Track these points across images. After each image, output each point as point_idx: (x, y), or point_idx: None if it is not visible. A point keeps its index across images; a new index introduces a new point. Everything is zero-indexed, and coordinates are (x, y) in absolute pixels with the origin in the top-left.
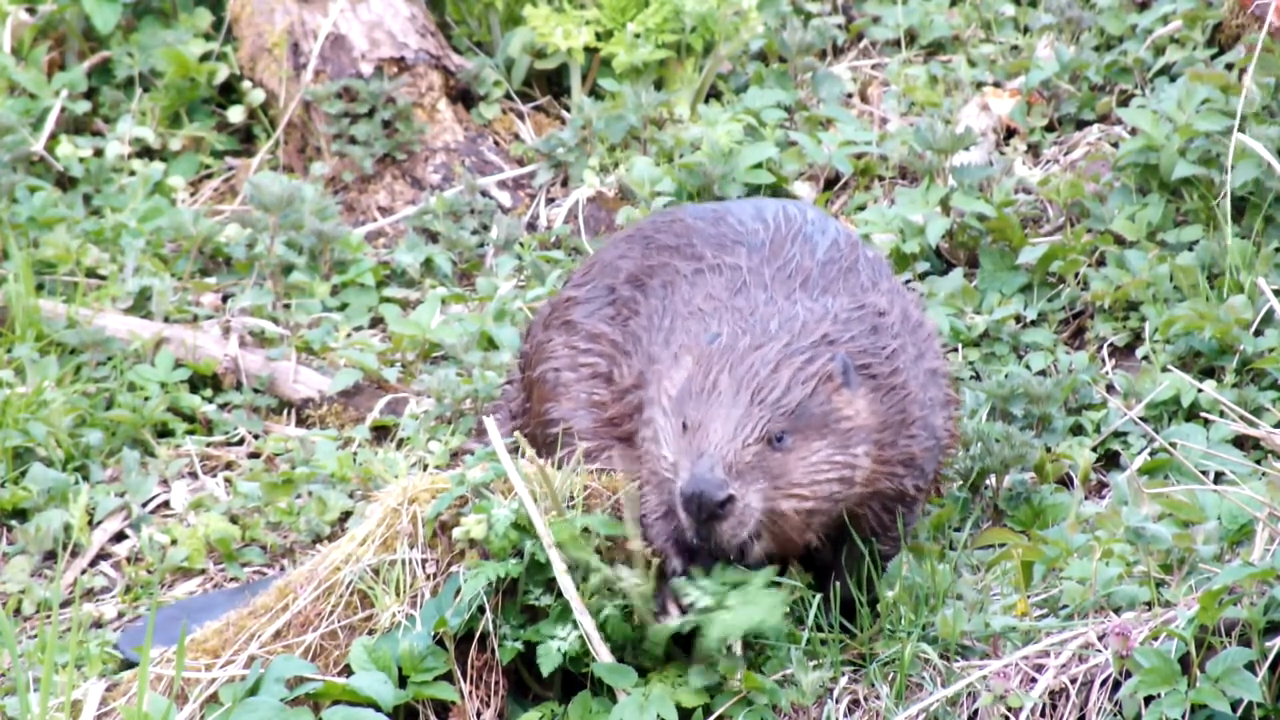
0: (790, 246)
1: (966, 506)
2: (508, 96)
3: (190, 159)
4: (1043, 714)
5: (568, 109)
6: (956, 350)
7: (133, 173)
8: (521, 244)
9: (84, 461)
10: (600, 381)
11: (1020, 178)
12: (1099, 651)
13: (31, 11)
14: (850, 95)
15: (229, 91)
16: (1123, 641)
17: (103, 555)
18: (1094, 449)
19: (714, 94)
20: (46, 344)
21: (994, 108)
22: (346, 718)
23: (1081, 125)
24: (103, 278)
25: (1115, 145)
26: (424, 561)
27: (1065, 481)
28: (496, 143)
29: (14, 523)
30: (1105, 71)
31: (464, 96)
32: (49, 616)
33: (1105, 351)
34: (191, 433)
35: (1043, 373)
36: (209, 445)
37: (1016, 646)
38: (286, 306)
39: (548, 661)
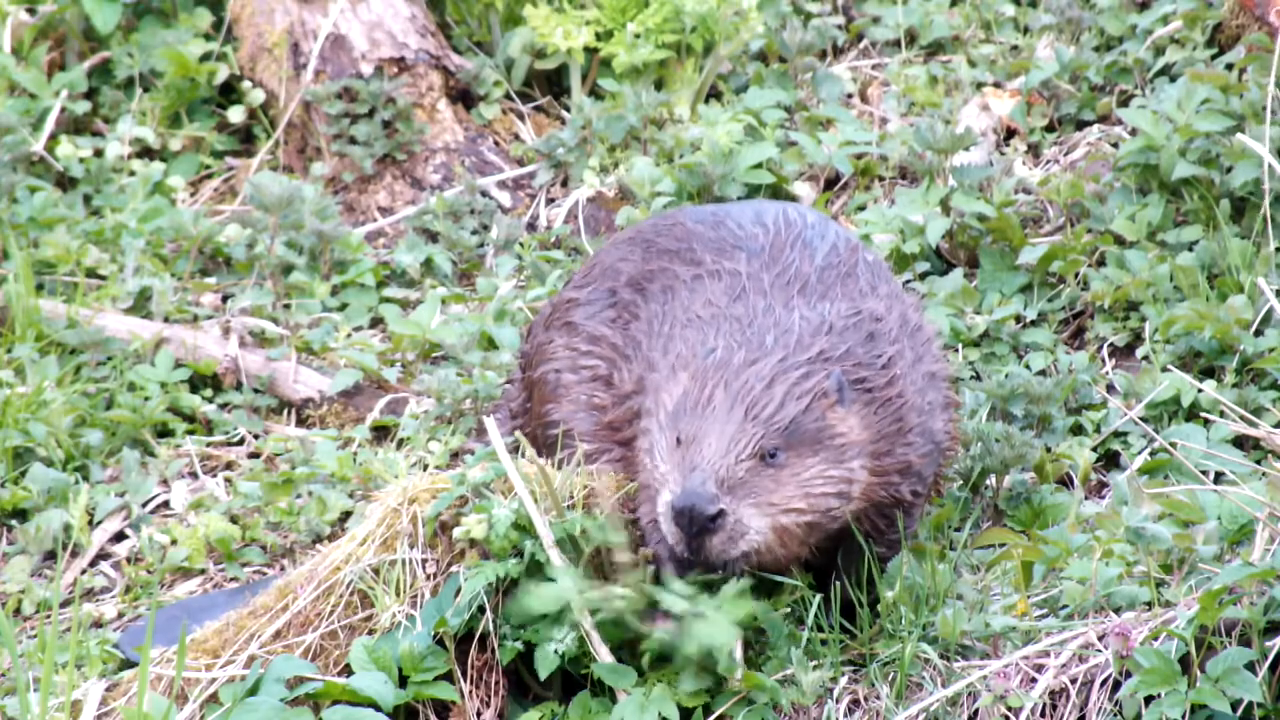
0: (789, 252)
1: (966, 506)
2: (508, 96)
3: (190, 159)
4: (1043, 714)
5: (568, 109)
6: (956, 350)
7: (133, 173)
8: (521, 244)
9: (84, 461)
10: (600, 384)
11: (1020, 178)
12: (1099, 651)
13: (31, 11)
14: (850, 95)
15: (229, 91)
16: (1123, 641)
17: (103, 555)
18: (1094, 449)
19: (714, 94)
20: (46, 344)
21: (994, 108)
22: (346, 718)
23: (1081, 125)
24: (103, 278)
25: (1115, 145)
26: (424, 561)
27: (1065, 481)
28: (496, 143)
29: (14, 523)
30: (1105, 72)
31: (464, 96)
32: (49, 616)
33: (1105, 351)
34: (191, 433)
35: (1043, 373)
36: (209, 445)
37: (1016, 646)
38: (286, 306)
39: (545, 664)
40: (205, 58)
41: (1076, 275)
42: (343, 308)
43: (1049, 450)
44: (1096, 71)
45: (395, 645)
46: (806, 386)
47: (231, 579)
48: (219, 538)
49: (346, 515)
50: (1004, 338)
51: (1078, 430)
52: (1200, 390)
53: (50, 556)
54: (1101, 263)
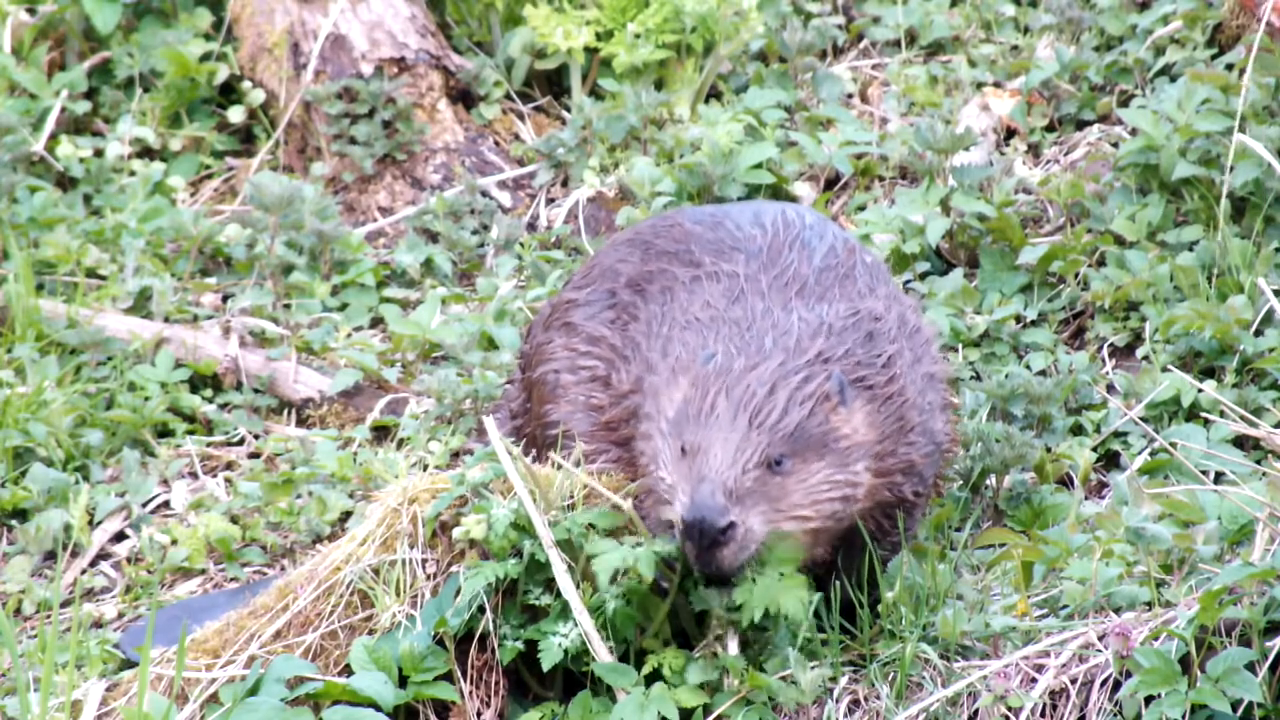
0: (788, 253)
1: (967, 506)
2: (508, 96)
3: (190, 159)
4: (1043, 714)
5: (568, 109)
6: (956, 350)
7: (133, 173)
8: (521, 244)
9: (84, 461)
10: (599, 385)
11: (1020, 178)
12: (1099, 651)
13: (31, 11)
14: (850, 95)
15: (229, 91)
16: (1123, 641)
17: (103, 555)
18: (1094, 449)
19: (714, 94)
20: (46, 344)
21: (994, 108)
22: (347, 718)
23: (1081, 125)
24: (103, 278)
25: (1115, 145)
26: (424, 561)
27: (1065, 481)
28: (496, 143)
29: (14, 523)
30: (1105, 72)
31: (464, 96)
32: (49, 616)
33: (1105, 351)
34: (191, 433)
35: (1043, 373)
36: (209, 445)
37: (1016, 646)
38: (286, 306)
39: (549, 657)
40: (205, 58)
41: (1076, 275)
42: (343, 308)
43: (1049, 450)
44: (1096, 71)
45: (395, 645)
46: (808, 391)
47: (232, 579)
48: (219, 538)
49: (346, 515)
50: (1004, 338)
51: (1078, 430)
52: (1200, 390)
53: (50, 556)
54: (1101, 263)
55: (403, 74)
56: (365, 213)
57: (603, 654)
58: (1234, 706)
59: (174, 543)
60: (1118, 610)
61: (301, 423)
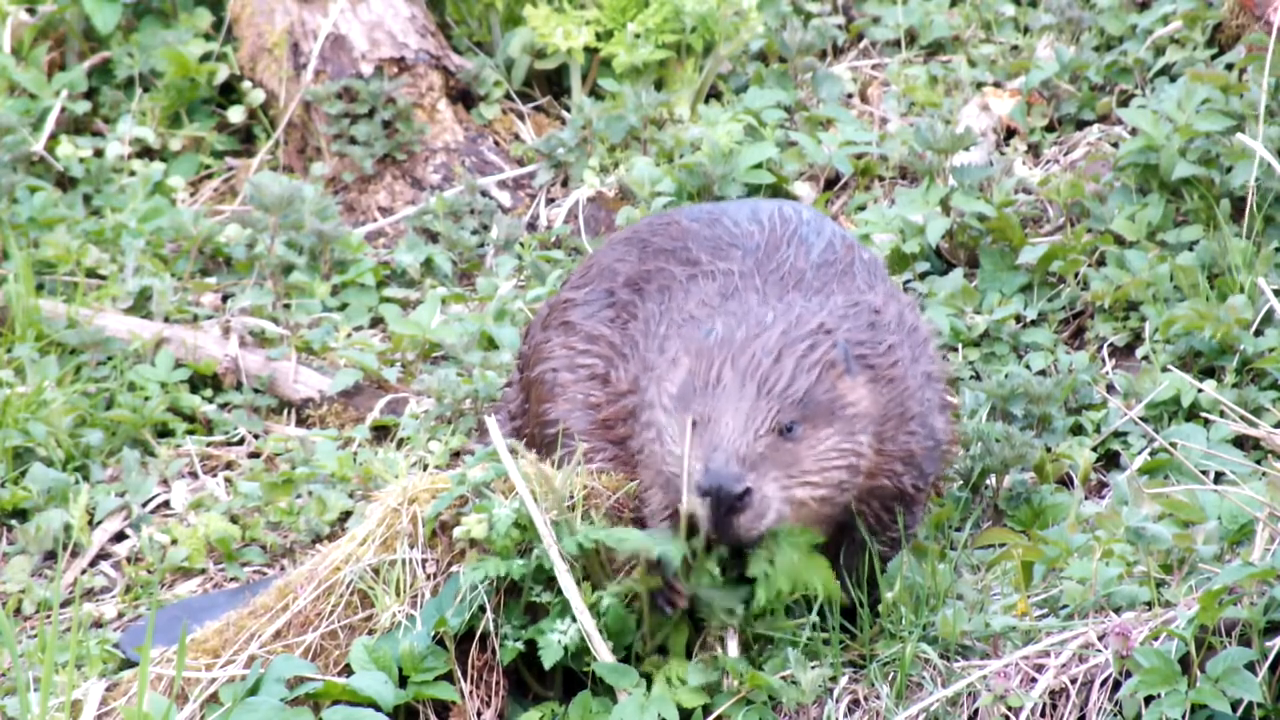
0: (785, 249)
1: (966, 506)
2: (508, 96)
3: (190, 159)
4: (1043, 714)
5: (568, 109)
6: (956, 350)
7: (133, 173)
8: (521, 244)
9: (84, 461)
10: (597, 383)
11: (1020, 178)
12: (1099, 651)
13: (31, 11)
14: (850, 95)
15: (229, 91)
16: (1123, 641)
17: (103, 555)
18: (1094, 449)
19: (714, 94)
20: (46, 344)
21: (994, 108)
22: (347, 718)
23: (1081, 125)
24: (103, 278)
25: (1115, 145)
26: (424, 561)
27: (1065, 481)
28: (496, 143)
29: (14, 523)
30: (1105, 71)
31: (464, 96)
32: (49, 616)
33: (1105, 351)
34: (191, 433)
35: (1043, 373)
36: (209, 445)
37: (1016, 646)
38: (286, 306)
39: (549, 654)
40: (205, 58)
41: (1076, 275)
42: (343, 308)
43: (1049, 450)
44: (1096, 71)
45: (395, 645)
46: (814, 358)
47: (231, 579)
48: (219, 538)
49: (346, 515)
50: (1004, 338)
51: (1078, 430)
52: (1200, 390)
53: (50, 556)
54: (1101, 263)
55: (403, 74)
56: (365, 213)
57: (603, 654)
58: (1234, 706)
59: (174, 543)
60: (1118, 610)
61: (301, 423)
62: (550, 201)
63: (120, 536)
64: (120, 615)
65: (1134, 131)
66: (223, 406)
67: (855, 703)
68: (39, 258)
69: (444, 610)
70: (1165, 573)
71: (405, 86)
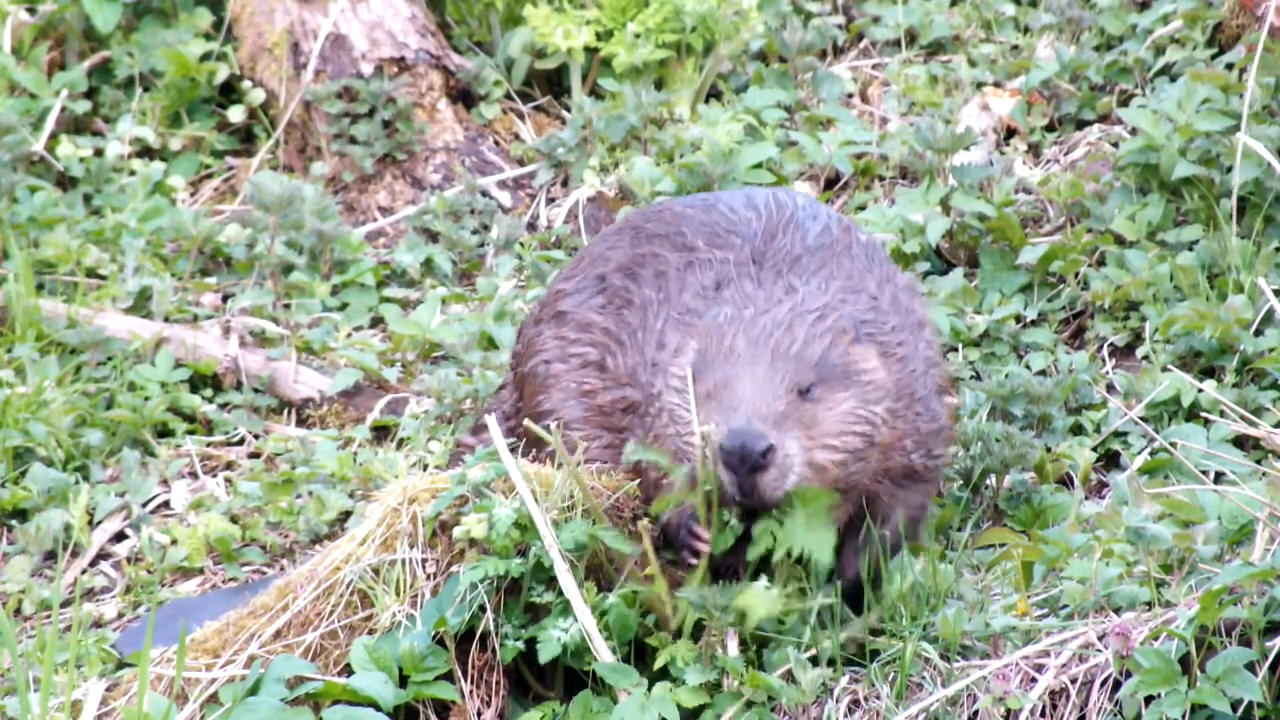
0: (782, 236)
1: (967, 506)
2: (508, 96)
3: (190, 159)
4: (1043, 714)
5: (568, 109)
6: (956, 350)
7: (133, 173)
8: (522, 244)
9: (84, 461)
10: (592, 370)
11: (1020, 178)
12: (1099, 651)
13: (31, 11)
14: (850, 95)
15: (229, 91)
16: (1123, 641)
17: (103, 555)
18: (1094, 449)
19: (714, 94)
20: (46, 344)
21: (994, 108)
22: (347, 718)
23: (1081, 125)
24: (103, 278)
25: (1115, 145)
26: (424, 561)
27: (1065, 481)
28: (496, 143)
29: (14, 523)
30: (1105, 71)
31: (464, 96)
32: (49, 616)
33: (1105, 351)
34: (191, 433)
35: (1043, 373)
36: (209, 445)
37: (1016, 646)
38: (286, 306)
39: (548, 649)
40: (205, 58)
41: (1076, 275)
42: (343, 308)
43: (1049, 450)
44: (1096, 71)
45: (395, 645)
46: (826, 325)
47: (229, 579)
48: (219, 538)
49: (346, 515)
50: (1004, 338)
51: (1078, 430)
52: (1200, 390)
53: (50, 556)
54: (1101, 262)
55: (403, 74)
56: (365, 212)
57: (604, 653)
58: (1234, 706)
59: (174, 543)
60: (1118, 610)
61: (301, 423)
62: (550, 201)
63: (120, 536)
64: (120, 615)
65: (1134, 131)
66: (223, 406)
67: (855, 703)
68: (39, 258)
69: (444, 610)
70: (1165, 573)
71: (405, 86)
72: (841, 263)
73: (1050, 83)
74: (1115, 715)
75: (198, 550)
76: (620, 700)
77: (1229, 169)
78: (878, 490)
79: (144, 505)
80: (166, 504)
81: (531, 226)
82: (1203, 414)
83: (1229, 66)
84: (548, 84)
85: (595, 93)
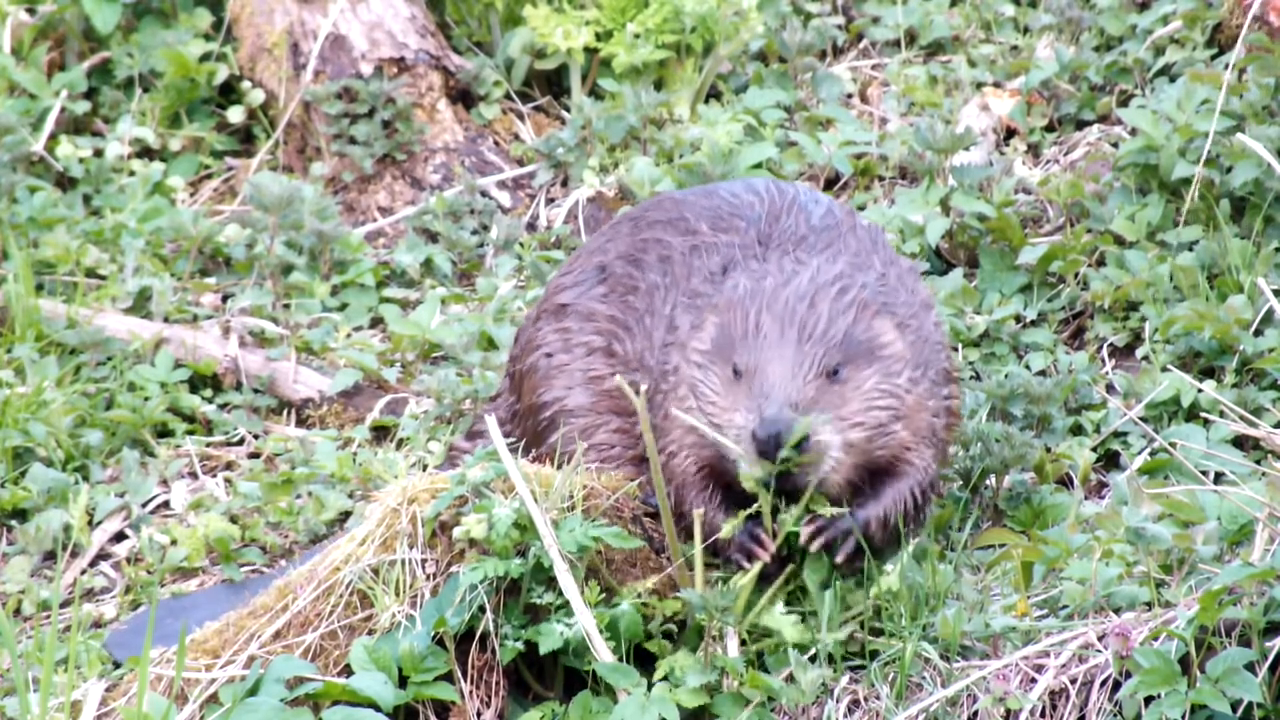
0: (786, 218)
1: (966, 507)
2: (508, 97)
3: (190, 159)
4: (1042, 714)
5: (568, 109)
6: (957, 350)
7: (133, 173)
8: (521, 244)
9: (84, 461)
10: (599, 356)
11: (1020, 178)
12: (1099, 652)
13: (31, 11)
14: (850, 95)
15: (229, 92)
16: (1123, 642)
17: (103, 555)
18: (1094, 449)
19: (714, 94)
20: (46, 344)
21: (994, 108)
22: (346, 718)
23: (1081, 125)
24: (103, 278)
25: (1115, 145)
26: (424, 561)
27: (1065, 482)
28: (496, 143)
29: (14, 523)
30: (1105, 72)
31: (464, 96)
32: (48, 617)
33: (1105, 351)
34: (191, 433)
35: (1043, 373)
36: (209, 445)
37: (1016, 647)
38: (286, 306)
39: (549, 641)
40: (205, 58)
41: (1076, 275)
42: (343, 308)
43: (1049, 450)
44: (1096, 71)
45: (395, 645)
46: (848, 299)
47: (226, 580)
48: (218, 538)
49: (346, 515)
50: (1004, 338)
51: (1078, 430)
52: (1200, 390)
53: (50, 556)
54: (1101, 263)
55: (402, 74)
56: (365, 213)
57: (604, 654)
58: (1234, 707)
59: (174, 543)
60: (1118, 610)
61: (301, 423)
62: (550, 201)
63: (120, 537)
64: (120, 616)
65: (1134, 131)
66: (222, 407)
67: (855, 703)
68: (39, 258)
69: (444, 610)
70: (1165, 573)
71: (405, 86)
72: (847, 241)
73: (1050, 83)
74: (1115, 716)
75: (197, 550)
76: (620, 700)
77: (1229, 169)
78: (893, 461)
79: (144, 505)
80: (166, 504)
81: (531, 227)
82: (1202, 414)
83: (1228, 67)
84: (547, 84)
85: (595, 93)
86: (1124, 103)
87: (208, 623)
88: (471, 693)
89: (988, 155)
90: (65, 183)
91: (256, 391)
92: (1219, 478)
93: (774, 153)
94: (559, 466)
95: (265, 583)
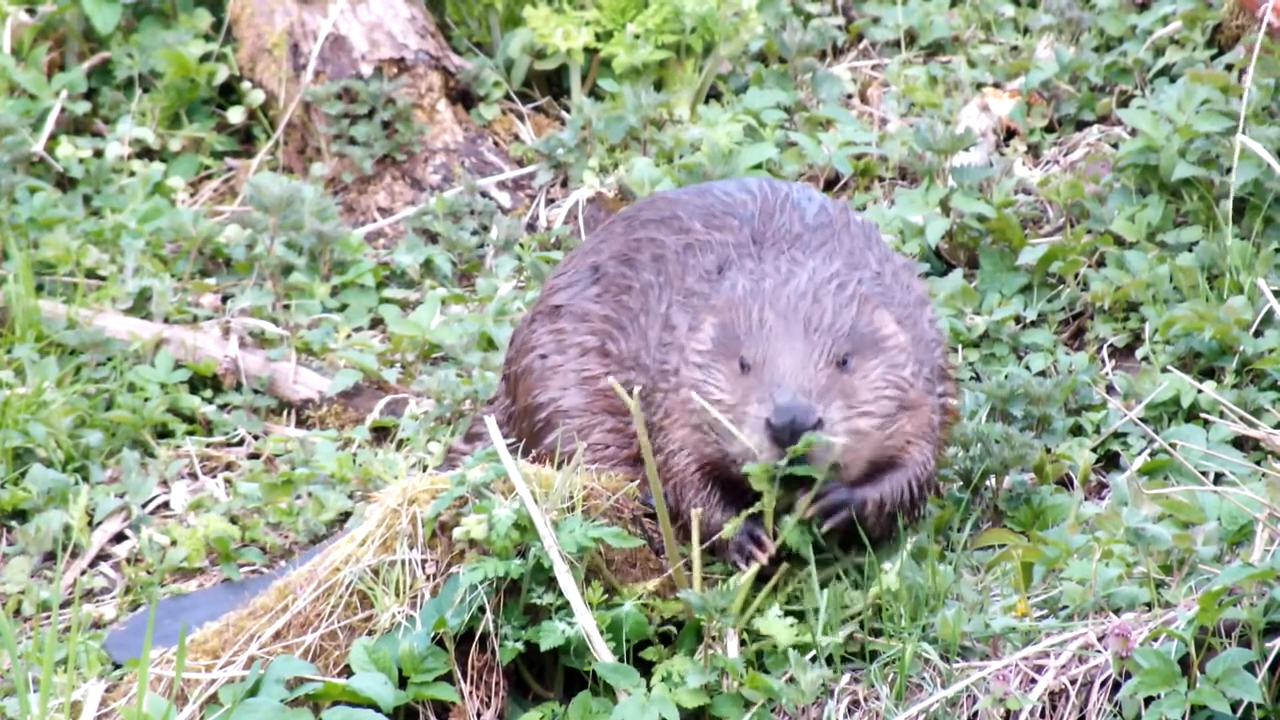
0: (780, 215)
1: (966, 507)
2: (507, 97)
3: (190, 159)
4: (1042, 715)
5: (568, 110)
6: (957, 351)
7: (133, 173)
8: (521, 245)
9: (84, 462)
10: (593, 356)
11: (1020, 178)
12: (1099, 652)
13: (31, 12)
14: (850, 96)
15: (229, 92)
16: (1123, 642)
17: (102, 556)
18: (1094, 450)
19: (714, 94)
20: (46, 344)
21: (994, 108)
22: (346, 718)
23: (1081, 126)
24: (103, 278)
25: (1115, 146)
26: (424, 562)
27: (1065, 482)
28: (496, 143)
29: (14, 523)
30: (1105, 72)
31: (464, 97)
32: (48, 617)
33: (1105, 352)
34: (191, 433)
35: (1043, 373)
36: (209, 446)
37: (1016, 647)
38: (286, 307)
39: (550, 638)
40: (205, 58)
41: (1076, 276)
42: (343, 308)
43: (1049, 451)
44: (1096, 72)
45: (395, 646)
46: (849, 293)
47: (225, 580)
48: (218, 538)
49: (346, 516)
50: (1004, 338)
51: (1077, 431)
52: (1200, 391)
53: (50, 557)
54: (1101, 263)
55: (402, 74)
56: (365, 213)
57: (604, 654)
58: (1234, 707)
59: (173, 543)
60: (1117, 611)
61: (301, 423)
62: (550, 202)
63: (120, 537)
64: (119, 617)
65: (1134, 132)
66: (222, 407)
67: (855, 703)
68: (39, 258)
69: (444, 611)
70: (1165, 573)
71: (405, 87)
72: (841, 239)
73: (1050, 83)
74: (1115, 716)
75: (197, 551)
76: (620, 700)
77: (1228, 170)
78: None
79: (144, 506)
80: (166, 505)
81: (531, 227)
82: (1202, 415)
83: (1229, 67)
84: (547, 85)
85: (595, 93)
86: (1124, 103)
87: (208, 623)
88: (471, 693)
89: (988, 156)
90: (65, 183)
91: (256, 392)
92: (1219, 478)
93: (774, 153)
94: (557, 467)
95: (265, 583)
